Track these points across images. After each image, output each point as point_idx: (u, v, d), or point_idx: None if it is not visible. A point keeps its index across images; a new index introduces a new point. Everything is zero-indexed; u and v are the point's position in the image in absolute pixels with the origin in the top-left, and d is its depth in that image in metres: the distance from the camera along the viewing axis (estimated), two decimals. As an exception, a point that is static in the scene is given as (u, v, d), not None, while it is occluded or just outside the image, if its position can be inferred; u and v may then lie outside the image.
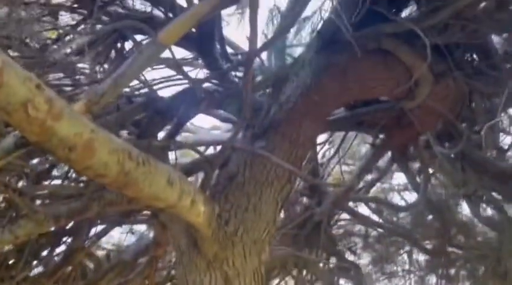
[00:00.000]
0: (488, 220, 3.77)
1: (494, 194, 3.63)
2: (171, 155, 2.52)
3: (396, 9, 2.79)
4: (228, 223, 2.44)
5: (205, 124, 4.13)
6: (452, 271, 3.99)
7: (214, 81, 2.61)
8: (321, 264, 3.85)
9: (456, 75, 2.72)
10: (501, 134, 3.35)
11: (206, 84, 2.70)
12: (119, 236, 3.90)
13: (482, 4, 2.57)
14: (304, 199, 3.87)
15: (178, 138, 3.07)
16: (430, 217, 3.72)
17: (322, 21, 2.67)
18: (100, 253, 3.73)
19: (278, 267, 3.83)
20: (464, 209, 3.85)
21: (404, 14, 2.83)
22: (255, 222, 2.55)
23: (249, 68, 1.95)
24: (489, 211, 3.79)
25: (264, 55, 2.88)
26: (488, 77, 2.72)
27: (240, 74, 2.71)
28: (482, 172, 3.41)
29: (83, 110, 1.27)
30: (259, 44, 2.38)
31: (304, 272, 3.86)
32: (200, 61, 2.72)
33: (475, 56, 2.80)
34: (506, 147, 3.40)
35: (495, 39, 2.77)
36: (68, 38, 2.39)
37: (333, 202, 3.57)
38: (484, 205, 3.76)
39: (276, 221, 2.80)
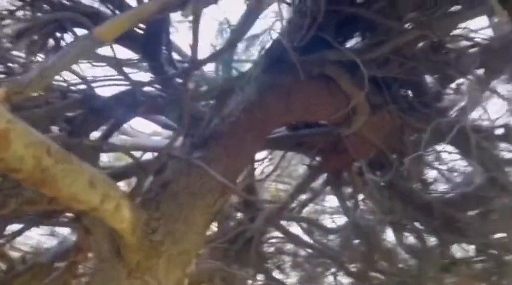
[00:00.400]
0: (409, 248, 3.97)
1: (416, 224, 3.83)
2: (105, 157, 2.43)
3: (343, 39, 2.92)
4: (156, 232, 2.38)
5: (146, 130, 4.03)
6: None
7: (157, 86, 2.56)
8: (249, 281, 3.84)
9: (391, 108, 2.87)
10: (427, 168, 3.57)
11: (149, 89, 2.64)
12: (39, 238, 3.67)
13: (420, 44, 2.75)
14: (238, 214, 3.87)
15: (115, 141, 2.97)
16: (357, 241, 3.85)
17: (271, 41, 2.73)
18: (15, 254, 3.47)
19: (205, 281, 3.77)
20: (389, 236, 4.02)
21: (350, 44, 2.96)
22: (185, 233, 2.50)
23: (189, 75, 1.94)
24: (411, 240, 3.98)
25: (211, 66, 2.88)
26: (419, 113, 2.89)
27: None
28: (407, 202, 3.60)
29: (2, 99, 1.19)
30: (206, 54, 2.39)
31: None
32: (145, 64, 2.67)
33: (409, 92, 2.97)
34: (430, 180, 3.63)
35: (428, 78, 2.96)
36: (3, 23, 2.25)
37: (266, 219, 3.59)
38: (407, 234, 3.95)
39: (206, 234, 2.77)
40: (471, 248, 3.86)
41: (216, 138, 2.62)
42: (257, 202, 3.65)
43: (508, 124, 2.97)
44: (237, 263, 3.85)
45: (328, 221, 4.15)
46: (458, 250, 4.01)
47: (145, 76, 2.71)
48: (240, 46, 2.76)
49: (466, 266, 3.95)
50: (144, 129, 3.96)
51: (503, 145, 3.25)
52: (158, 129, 3.54)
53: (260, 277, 4.17)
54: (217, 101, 2.76)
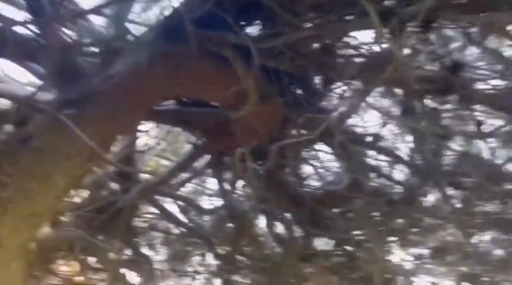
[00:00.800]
0: (277, 236, 4.17)
1: (287, 214, 4.03)
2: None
3: (245, 23, 2.91)
4: (4, 188, 2.16)
5: (23, 79, 3.61)
6: (237, 278, 4.28)
7: (33, 29, 2.29)
8: (112, 254, 3.70)
9: (278, 101, 2.96)
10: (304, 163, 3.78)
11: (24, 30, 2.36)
12: None
13: (314, 44, 2.87)
14: (113, 184, 3.70)
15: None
16: (229, 224, 3.93)
17: (171, 8, 2.62)
18: None
19: (64, 249, 3.55)
20: (261, 223, 4.18)
21: (251, 30, 2.97)
22: (41, 193, 2.31)
23: (52, 19, 1.76)
24: (280, 229, 4.18)
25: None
26: (303, 110, 3.02)
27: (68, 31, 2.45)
28: (282, 193, 3.78)
29: None
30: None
31: (92, 259, 3.66)
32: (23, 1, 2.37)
33: (298, 89, 3.09)
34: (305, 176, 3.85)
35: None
36: None
37: (141, 192, 3.48)
38: (277, 223, 4.14)
39: (66, 198, 2.60)
40: (331, 242, 4.18)
41: (92, 98, 2.45)
42: (133, 174, 3.52)
43: (378, 134, 3.26)
44: (103, 235, 3.69)
45: (205, 203, 4.17)
46: (320, 243, 4.32)
47: (21, 15, 2.40)
48: (137, 7, 2.61)
49: (324, 259, 4.28)
50: (21, 78, 3.55)
51: (371, 152, 3.56)
52: (34, 79, 3.19)
53: (127, 252, 4.05)
54: (102, 59, 2.58)
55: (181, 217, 3.98)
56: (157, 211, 3.99)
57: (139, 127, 3.46)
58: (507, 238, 3.80)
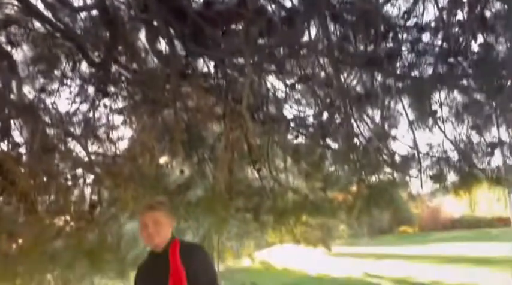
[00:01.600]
0: (158, 51, 3.99)
1: (170, 29, 3.80)
2: None
3: None
4: None
5: None
6: (112, 88, 4.16)
7: None
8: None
9: None
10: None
11: None
12: None
13: None
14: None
15: None
16: (103, 29, 3.60)
17: None
18: None
19: None
20: (142, 35, 3.91)
21: None
22: None
23: None
24: (163, 44, 3.97)
25: None
26: None
27: None
28: (165, 3, 3.46)
29: None
30: None
31: None
32: None
33: None
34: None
35: None
36: None
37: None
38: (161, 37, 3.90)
39: None
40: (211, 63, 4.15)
41: None
42: None
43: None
44: None
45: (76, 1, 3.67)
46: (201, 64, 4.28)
47: None
48: None
49: (204, 79, 4.30)
50: None
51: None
52: None
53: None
54: None
55: (48, 14, 3.50)
56: (17, 3, 3.43)
57: None
58: (371, 77, 4.14)
